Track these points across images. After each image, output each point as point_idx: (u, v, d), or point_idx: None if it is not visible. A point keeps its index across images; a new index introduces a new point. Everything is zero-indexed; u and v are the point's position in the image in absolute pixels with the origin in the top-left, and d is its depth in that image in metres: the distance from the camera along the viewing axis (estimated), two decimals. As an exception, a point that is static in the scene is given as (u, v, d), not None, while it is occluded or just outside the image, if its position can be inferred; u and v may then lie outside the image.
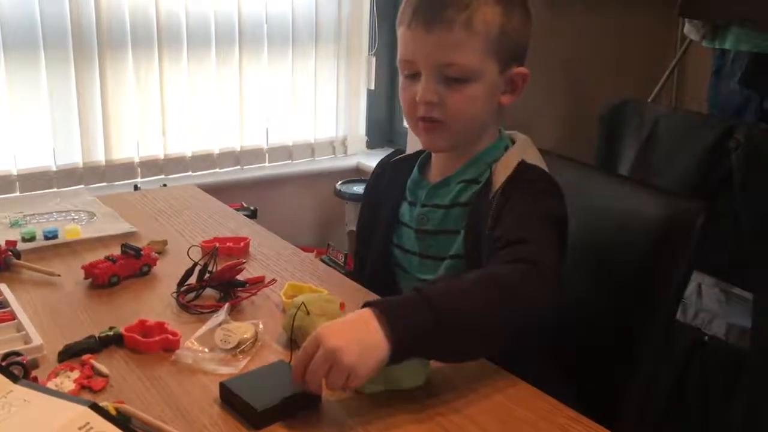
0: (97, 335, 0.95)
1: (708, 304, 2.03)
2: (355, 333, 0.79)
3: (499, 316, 0.86)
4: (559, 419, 0.84)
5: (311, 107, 2.78)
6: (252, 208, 2.30)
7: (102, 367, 0.88)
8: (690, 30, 1.81)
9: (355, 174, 2.79)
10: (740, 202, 1.65)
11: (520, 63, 1.07)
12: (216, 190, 1.65)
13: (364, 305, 0.82)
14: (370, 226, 1.20)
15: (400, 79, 1.08)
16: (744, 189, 1.64)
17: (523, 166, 1.04)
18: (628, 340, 1.16)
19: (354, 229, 2.54)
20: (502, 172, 1.04)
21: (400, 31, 1.05)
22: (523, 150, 1.08)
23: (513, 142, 1.11)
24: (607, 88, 2.27)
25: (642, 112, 1.91)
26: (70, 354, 0.91)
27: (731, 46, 1.73)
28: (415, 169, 1.15)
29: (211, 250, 1.12)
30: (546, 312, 0.91)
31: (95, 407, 0.69)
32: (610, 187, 1.29)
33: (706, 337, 1.83)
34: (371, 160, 2.81)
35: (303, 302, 0.93)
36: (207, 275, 1.09)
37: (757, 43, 1.66)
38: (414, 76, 1.04)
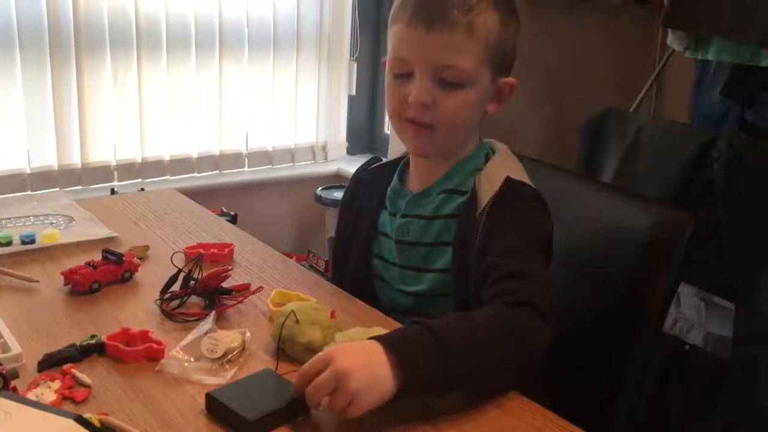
0: (78, 344, 0.92)
1: (687, 313, 2.04)
2: (368, 362, 0.78)
3: (503, 360, 0.86)
4: (554, 431, 0.83)
5: (292, 112, 2.76)
6: (232, 213, 2.27)
7: (84, 377, 0.85)
8: (673, 40, 1.82)
9: (335, 180, 2.78)
10: (722, 212, 1.66)
11: (508, 73, 1.07)
12: (194, 195, 1.61)
13: (373, 338, 0.81)
14: (349, 236, 1.18)
15: (388, 77, 1.05)
16: (726, 199, 1.66)
17: (509, 184, 1.02)
18: (614, 351, 1.15)
19: (334, 235, 2.53)
20: (488, 187, 1.02)
21: (396, 28, 1.03)
22: (505, 161, 1.07)
23: (492, 151, 1.10)
24: (588, 98, 2.28)
25: (624, 121, 1.92)
26: (50, 363, 0.88)
27: (714, 57, 1.74)
28: (395, 178, 1.13)
29: (196, 257, 1.09)
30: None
31: (81, 420, 0.67)
32: (597, 196, 1.28)
33: (687, 346, 1.84)
34: (352, 166, 2.79)
35: (292, 310, 0.91)
36: (192, 282, 1.06)
37: (739, 54, 1.67)
38: (405, 76, 1.01)
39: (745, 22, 1.59)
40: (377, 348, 0.79)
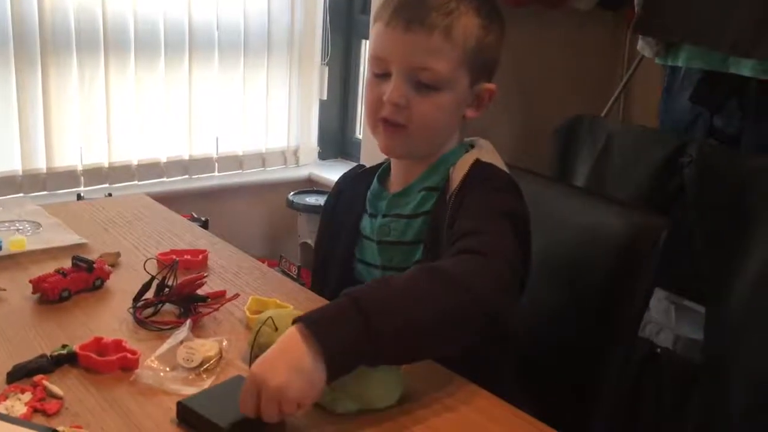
0: (48, 354, 0.89)
1: (656, 316, 2.06)
2: (291, 362, 0.75)
3: (440, 311, 0.81)
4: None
5: (263, 117, 2.73)
6: (203, 219, 2.23)
7: (56, 389, 0.83)
8: (643, 47, 1.84)
9: (307, 185, 2.75)
10: (693, 217, 1.68)
11: (489, 79, 1.06)
12: (164, 200, 1.58)
13: (294, 321, 0.78)
14: (331, 243, 1.17)
15: (368, 76, 1.05)
16: (696, 203, 1.68)
17: (477, 165, 1.03)
18: (591, 355, 1.16)
19: (307, 241, 2.51)
20: (459, 173, 1.02)
21: (376, 27, 1.03)
22: (484, 154, 1.07)
23: (472, 146, 1.10)
24: (558, 104, 2.29)
25: (595, 127, 1.94)
26: (20, 375, 0.85)
27: (683, 63, 1.77)
28: (375, 180, 1.13)
29: (170, 264, 1.07)
30: (505, 316, 0.87)
31: (55, 434, 0.64)
32: (573, 200, 1.29)
33: (659, 349, 1.86)
34: (323, 171, 2.78)
35: (270, 317, 0.90)
36: (166, 290, 1.04)
37: (709, 60, 1.70)
38: (383, 76, 1.01)
39: (716, 29, 1.61)
40: (295, 337, 0.76)
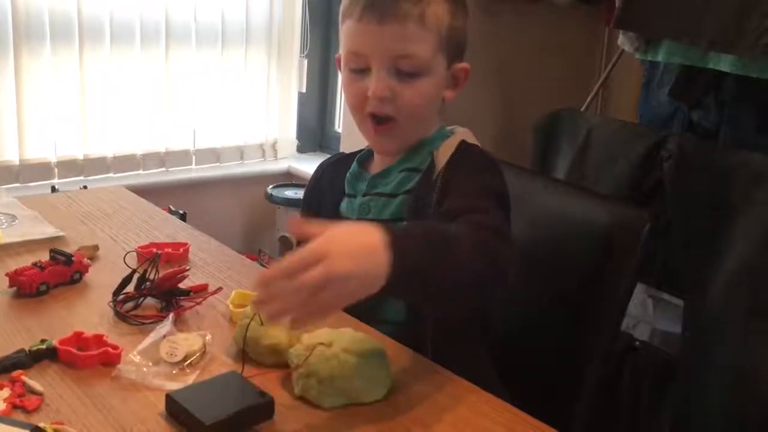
0: (27, 349, 0.87)
1: (632, 310, 2.08)
2: (364, 261, 0.72)
3: (480, 276, 0.85)
4: (527, 429, 0.82)
5: (241, 109, 2.70)
6: (181, 212, 2.20)
7: (35, 384, 0.81)
8: (624, 42, 1.85)
9: (285, 178, 2.73)
10: (672, 210, 1.69)
11: (461, 59, 1.09)
12: (140, 193, 1.56)
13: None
14: None
15: (344, 73, 1.06)
16: (675, 197, 1.69)
17: (463, 146, 1.05)
18: (574, 349, 1.16)
19: (286, 234, 2.49)
20: (444, 155, 1.04)
21: (347, 24, 1.03)
22: (465, 135, 1.09)
23: (452, 132, 1.11)
24: (537, 98, 2.30)
25: (576, 121, 1.94)
26: (-2, 370, 0.83)
27: (663, 58, 1.77)
28: (355, 163, 1.13)
29: (151, 257, 1.05)
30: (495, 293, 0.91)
31: (37, 431, 0.62)
32: (555, 193, 1.29)
33: (637, 342, 1.87)
34: (302, 164, 2.77)
35: (257, 312, 0.88)
36: (147, 283, 1.02)
37: (688, 56, 1.71)
38: (362, 71, 1.02)
39: (695, 24, 1.62)
40: (377, 240, 0.74)
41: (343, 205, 1.11)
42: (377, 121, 1.04)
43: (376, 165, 1.11)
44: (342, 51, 1.06)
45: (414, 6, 0.99)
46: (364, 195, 1.09)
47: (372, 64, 1.01)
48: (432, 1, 1.01)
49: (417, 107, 1.03)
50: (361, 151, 1.15)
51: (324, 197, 1.15)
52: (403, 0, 0.99)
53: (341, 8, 1.05)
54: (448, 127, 1.12)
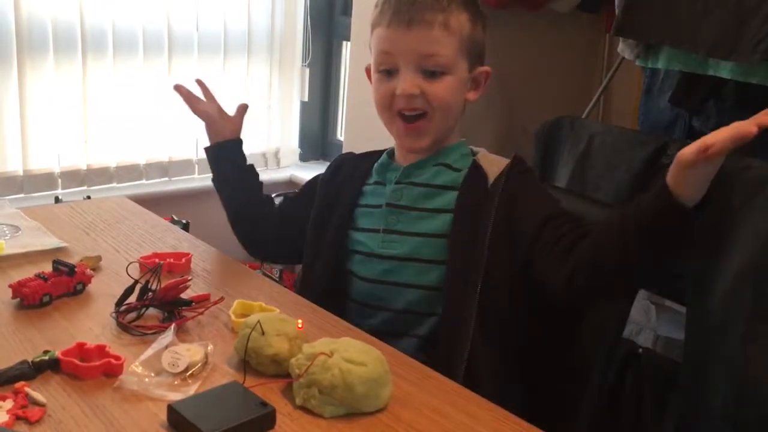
0: (30, 360, 0.87)
1: (635, 316, 2.08)
2: None
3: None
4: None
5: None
6: (184, 221, 2.21)
7: (38, 396, 0.81)
8: (624, 49, 1.85)
9: (288, 186, 2.74)
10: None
11: (482, 63, 1.19)
12: (143, 203, 1.56)
13: None
14: (328, 211, 1.21)
15: (374, 77, 1.16)
16: (677, 204, 1.69)
17: (519, 159, 1.15)
18: (576, 356, 1.16)
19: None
20: (491, 163, 1.14)
21: (377, 32, 1.14)
22: (487, 152, 1.19)
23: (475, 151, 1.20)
24: (538, 106, 2.30)
25: (577, 128, 1.94)
26: (1, 381, 0.83)
27: (663, 65, 1.78)
28: (385, 155, 1.21)
29: (153, 267, 1.05)
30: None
31: (39, 443, 0.63)
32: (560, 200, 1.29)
33: (640, 349, 1.87)
34: (304, 173, 2.77)
35: (259, 321, 0.89)
36: (149, 294, 1.02)
37: (688, 62, 1.71)
38: (390, 73, 1.12)
39: (695, 31, 1.62)
40: None
41: (366, 191, 1.19)
42: (408, 119, 1.13)
43: (405, 160, 1.19)
44: (371, 57, 1.15)
45: (439, 14, 1.10)
46: (397, 183, 1.16)
47: (400, 64, 1.11)
48: (454, 11, 1.12)
49: (446, 101, 1.12)
50: (383, 150, 1.23)
51: (345, 182, 1.22)
52: (429, 9, 1.10)
53: (371, 20, 1.15)
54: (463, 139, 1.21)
